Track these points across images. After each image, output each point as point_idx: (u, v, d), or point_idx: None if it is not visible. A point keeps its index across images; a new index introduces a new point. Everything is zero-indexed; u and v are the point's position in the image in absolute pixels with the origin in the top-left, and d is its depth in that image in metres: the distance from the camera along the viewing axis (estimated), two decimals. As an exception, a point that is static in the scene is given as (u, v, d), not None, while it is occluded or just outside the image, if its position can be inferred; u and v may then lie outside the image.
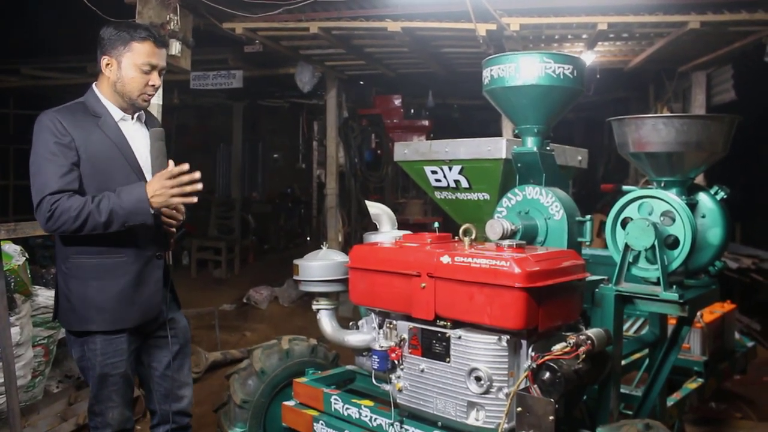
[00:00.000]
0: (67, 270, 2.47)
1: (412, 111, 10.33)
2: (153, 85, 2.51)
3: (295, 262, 2.93)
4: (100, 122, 2.48)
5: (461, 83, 9.28)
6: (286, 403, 3.05)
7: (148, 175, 2.51)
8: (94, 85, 2.57)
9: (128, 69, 2.48)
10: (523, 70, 2.70)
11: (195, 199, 2.44)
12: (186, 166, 2.39)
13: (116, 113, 2.53)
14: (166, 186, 2.36)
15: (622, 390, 2.88)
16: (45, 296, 3.86)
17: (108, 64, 2.50)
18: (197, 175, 2.39)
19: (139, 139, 2.56)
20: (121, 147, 2.49)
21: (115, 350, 2.49)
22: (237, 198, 11.34)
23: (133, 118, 2.59)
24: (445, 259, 2.34)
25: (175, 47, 4.65)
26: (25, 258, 3.66)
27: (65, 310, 2.50)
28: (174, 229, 2.61)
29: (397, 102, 9.75)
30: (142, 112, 2.64)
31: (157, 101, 4.37)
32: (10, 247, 3.62)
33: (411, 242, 2.63)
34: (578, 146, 3.53)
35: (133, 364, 2.59)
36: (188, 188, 2.39)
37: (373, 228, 3.12)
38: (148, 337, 2.65)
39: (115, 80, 2.50)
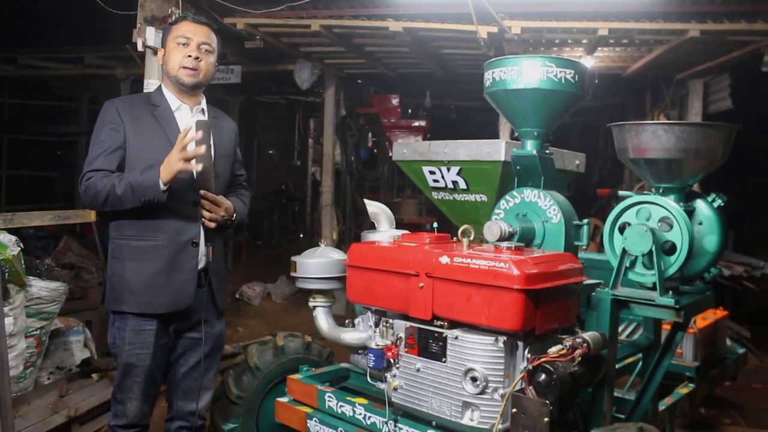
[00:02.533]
0: (112, 251, 2.57)
1: (410, 111, 10.33)
2: (190, 56, 2.56)
3: (293, 258, 2.93)
4: (155, 111, 2.59)
5: (459, 84, 9.30)
6: (279, 399, 3.06)
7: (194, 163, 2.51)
8: (161, 82, 2.70)
9: (169, 48, 2.60)
10: (525, 74, 2.71)
11: (198, 167, 2.46)
12: (192, 132, 2.43)
13: (173, 103, 2.63)
14: (172, 154, 2.40)
15: (614, 393, 2.89)
16: (38, 287, 3.84)
17: (162, 55, 2.65)
18: (199, 134, 2.42)
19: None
20: (170, 135, 2.54)
21: (143, 342, 2.52)
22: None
23: (192, 111, 2.65)
24: (444, 259, 2.35)
25: (176, 41, 4.63)
26: (19, 248, 3.63)
27: (109, 290, 2.58)
28: (213, 224, 2.60)
29: (395, 101, 9.74)
30: (204, 107, 2.69)
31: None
32: (5, 237, 3.59)
33: (410, 242, 2.63)
34: (573, 150, 3.54)
35: (161, 360, 2.61)
36: (191, 153, 2.39)
37: (368, 226, 3.13)
38: (180, 335, 2.66)
39: (164, 65, 2.63)
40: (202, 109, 2.69)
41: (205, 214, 2.58)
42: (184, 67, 2.56)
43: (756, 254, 7.47)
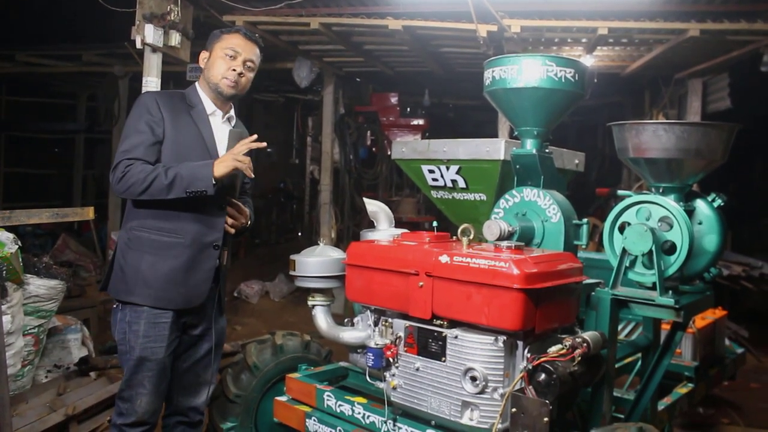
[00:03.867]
0: (128, 241, 2.57)
1: (408, 109, 10.32)
2: (234, 70, 2.61)
3: (292, 257, 2.92)
4: (192, 111, 2.63)
5: (458, 83, 9.29)
6: (278, 398, 3.05)
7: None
8: (196, 82, 2.74)
9: (215, 55, 2.65)
10: (525, 73, 2.71)
11: (251, 173, 2.52)
12: (255, 137, 2.53)
13: (209, 107, 2.68)
14: (234, 151, 2.46)
15: (613, 393, 2.89)
16: (36, 285, 3.83)
17: (204, 58, 2.70)
18: (263, 144, 2.52)
19: (223, 137, 2.65)
20: (206, 136, 2.63)
21: (158, 335, 2.53)
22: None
23: (223, 117, 2.71)
24: (444, 258, 2.34)
25: (175, 38, 4.63)
26: (17, 246, 3.62)
27: (117, 279, 2.57)
28: (233, 230, 2.67)
29: (394, 100, 9.74)
30: (233, 115, 2.76)
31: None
32: (3, 235, 3.58)
33: (409, 241, 2.63)
34: (571, 150, 3.54)
35: (171, 355, 2.61)
36: (246, 159, 2.47)
37: (366, 225, 3.13)
38: (185, 331, 2.67)
39: (206, 69, 2.67)
40: (230, 117, 2.75)
41: (229, 220, 2.64)
42: (226, 78, 2.62)
43: (754, 254, 7.47)
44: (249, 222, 2.76)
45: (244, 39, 2.66)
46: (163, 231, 2.54)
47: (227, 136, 2.62)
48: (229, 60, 2.62)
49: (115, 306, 2.61)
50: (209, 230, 2.59)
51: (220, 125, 2.70)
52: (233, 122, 2.76)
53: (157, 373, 2.55)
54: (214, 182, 2.43)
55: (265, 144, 2.53)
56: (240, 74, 2.64)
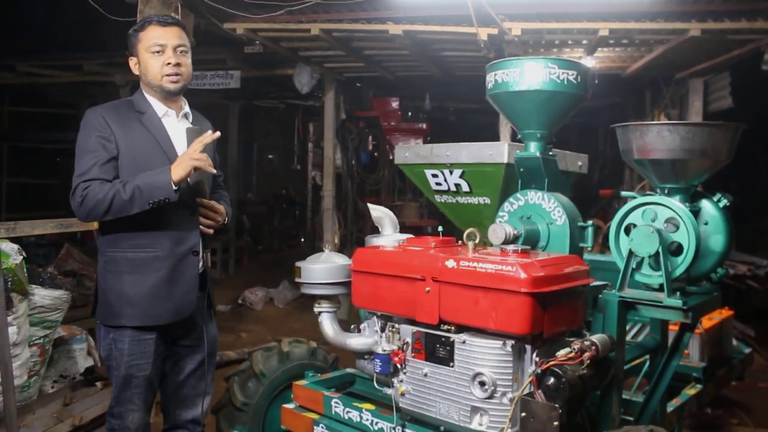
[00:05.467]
0: (105, 264, 2.50)
1: (410, 114, 10.32)
2: (170, 63, 2.48)
3: (298, 264, 2.91)
4: (143, 118, 2.52)
5: (458, 86, 9.29)
6: (285, 405, 3.04)
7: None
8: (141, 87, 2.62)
9: (143, 58, 2.51)
10: (528, 75, 2.71)
11: (212, 169, 2.44)
12: (209, 132, 2.45)
13: (160, 109, 2.56)
14: (189, 151, 2.38)
15: (622, 396, 2.88)
16: (41, 295, 3.83)
17: (134, 64, 2.56)
18: (218, 134, 2.45)
19: (182, 137, 2.53)
20: (161, 141, 2.51)
21: (143, 351, 2.47)
22: (232, 198, 11.27)
23: (178, 116, 2.60)
24: (450, 263, 2.33)
25: (176, 46, 4.62)
26: (22, 257, 3.62)
27: (102, 304, 2.51)
28: (211, 231, 2.58)
29: (395, 104, 9.75)
30: (188, 111, 2.65)
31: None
32: (7, 246, 3.58)
33: (415, 246, 2.62)
34: (573, 151, 3.53)
35: (158, 369, 2.57)
36: (203, 156, 2.39)
37: (369, 230, 3.12)
38: (175, 342, 2.63)
39: (142, 75, 2.54)
40: (186, 114, 2.63)
41: (203, 221, 2.54)
42: (166, 76, 2.49)
43: (758, 252, 7.45)
44: (227, 219, 2.65)
45: (161, 27, 2.49)
46: (138, 247, 2.45)
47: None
48: (159, 56, 2.47)
49: (98, 322, 2.56)
50: (185, 237, 2.50)
51: (177, 125, 2.57)
52: (190, 118, 2.64)
53: (145, 389, 2.51)
54: (174, 188, 2.33)
55: (219, 133, 2.45)
56: (177, 64, 2.49)
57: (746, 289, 6.72)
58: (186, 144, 2.48)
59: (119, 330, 2.46)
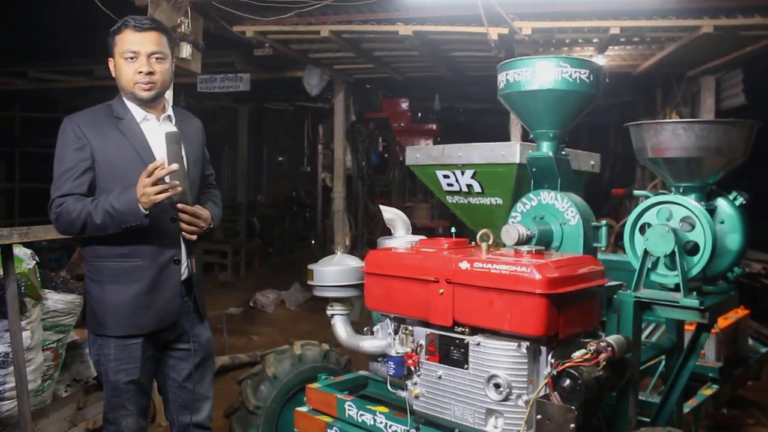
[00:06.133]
0: (89, 274, 2.49)
1: (419, 114, 10.31)
2: (141, 72, 2.41)
3: (310, 266, 2.90)
4: (120, 124, 2.46)
5: (468, 86, 9.27)
6: (298, 408, 3.02)
7: (167, 178, 2.40)
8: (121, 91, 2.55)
9: (118, 63, 2.46)
10: (540, 75, 2.68)
11: (179, 189, 2.33)
12: (159, 161, 2.31)
13: (138, 114, 2.50)
14: (145, 184, 2.26)
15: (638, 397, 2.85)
16: (54, 300, 3.84)
17: (112, 67, 2.52)
18: (174, 167, 2.31)
19: (163, 141, 2.44)
20: (139, 148, 2.45)
21: (129, 356, 2.46)
22: (242, 201, 11.33)
23: (159, 119, 2.54)
24: (464, 264, 2.31)
25: (186, 50, 4.64)
26: (35, 262, 3.64)
27: (89, 313, 2.52)
28: (194, 237, 2.51)
29: (404, 105, 9.74)
30: (171, 113, 2.58)
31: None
32: (21, 251, 3.60)
33: (428, 248, 2.60)
34: (583, 150, 3.50)
35: (149, 373, 2.56)
36: (164, 186, 2.28)
37: (380, 232, 3.10)
38: (168, 347, 2.62)
39: (117, 79, 2.49)
40: (168, 116, 2.57)
41: (185, 227, 2.47)
42: (137, 83, 2.43)
43: (772, 251, 7.37)
44: (212, 223, 2.58)
45: (137, 33, 2.40)
46: (120, 256, 2.42)
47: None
48: (132, 62, 2.40)
49: (87, 330, 2.56)
50: (166, 246, 2.46)
51: (157, 129, 2.49)
52: (174, 120, 2.57)
53: (136, 393, 2.50)
54: (145, 212, 2.28)
55: (176, 166, 2.29)
56: (150, 73, 2.41)
57: (761, 288, 6.65)
58: (166, 150, 2.39)
59: (104, 337, 2.46)
